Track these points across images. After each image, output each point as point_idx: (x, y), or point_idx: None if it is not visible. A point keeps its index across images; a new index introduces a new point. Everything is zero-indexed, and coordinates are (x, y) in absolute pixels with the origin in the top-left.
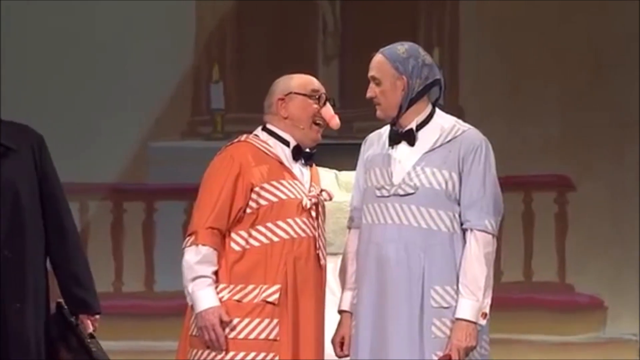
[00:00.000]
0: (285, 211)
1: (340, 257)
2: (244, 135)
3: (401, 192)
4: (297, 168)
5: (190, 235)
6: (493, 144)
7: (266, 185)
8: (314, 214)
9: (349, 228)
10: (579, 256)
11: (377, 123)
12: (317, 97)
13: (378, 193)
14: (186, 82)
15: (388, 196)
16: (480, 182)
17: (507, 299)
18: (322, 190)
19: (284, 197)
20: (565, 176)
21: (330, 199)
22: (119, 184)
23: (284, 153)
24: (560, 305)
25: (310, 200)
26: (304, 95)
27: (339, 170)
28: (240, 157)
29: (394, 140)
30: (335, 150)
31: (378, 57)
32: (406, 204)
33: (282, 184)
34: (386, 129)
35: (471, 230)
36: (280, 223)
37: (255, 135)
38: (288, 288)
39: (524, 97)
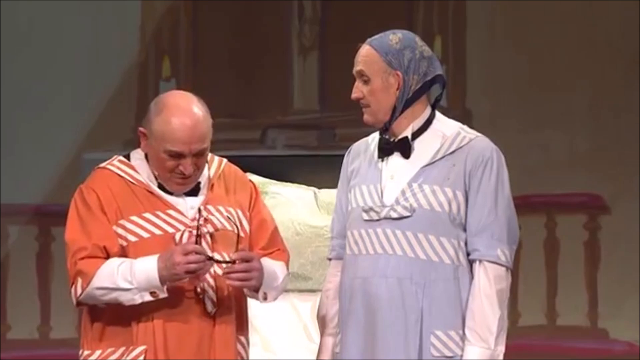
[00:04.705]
0: (147, 253)
1: (319, 295)
2: (113, 158)
3: (394, 215)
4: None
5: (72, 284)
6: (507, 155)
7: (123, 222)
8: None
9: (330, 259)
10: (614, 294)
11: (364, 129)
12: (172, 155)
13: (365, 216)
14: (130, 80)
15: (378, 220)
16: (491, 203)
17: (525, 347)
18: (205, 220)
19: (145, 235)
20: (597, 195)
21: (216, 230)
22: (47, 205)
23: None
24: (592, 354)
25: (189, 231)
26: (157, 149)
27: (319, 187)
28: (97, 190)
29: (385, 150)
30: (313, 162)
31: (366, 49)
32: (400, 230)
33: (144, 219)
34: (375, 137)
35: (480, 261)
36: None
37: (126, 156)
38: (157, 349)
39: (545, 97)
